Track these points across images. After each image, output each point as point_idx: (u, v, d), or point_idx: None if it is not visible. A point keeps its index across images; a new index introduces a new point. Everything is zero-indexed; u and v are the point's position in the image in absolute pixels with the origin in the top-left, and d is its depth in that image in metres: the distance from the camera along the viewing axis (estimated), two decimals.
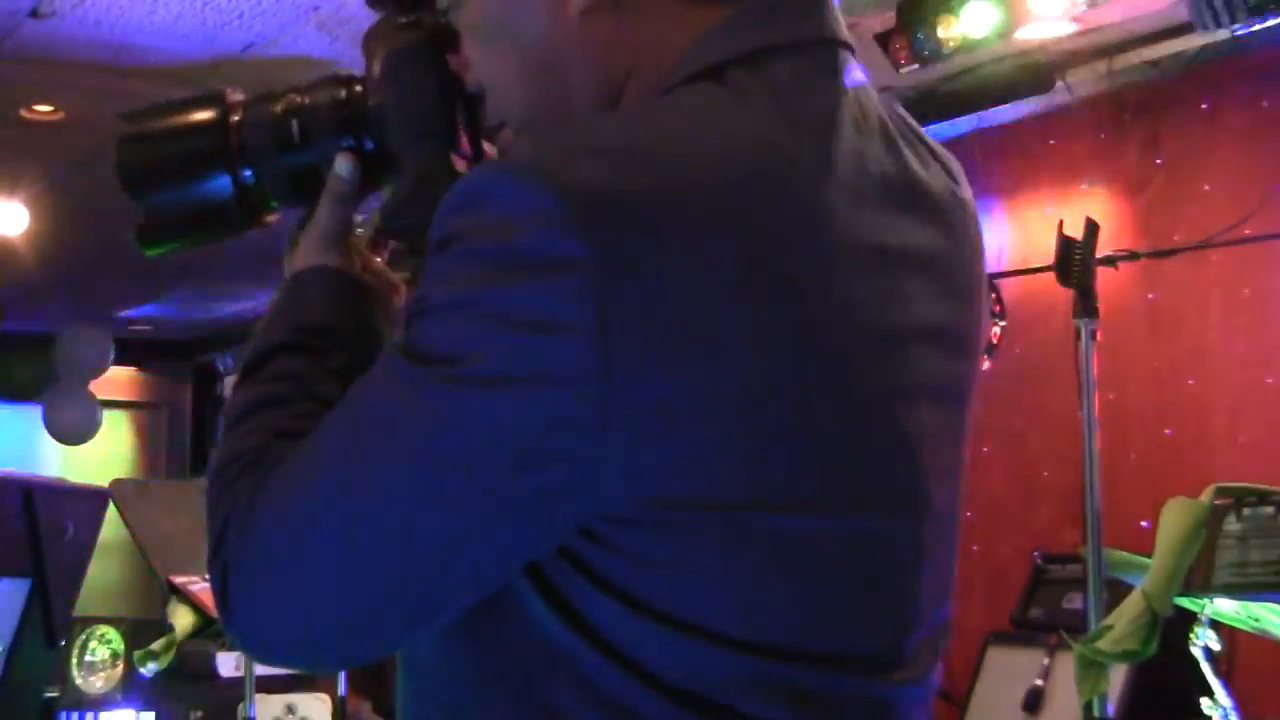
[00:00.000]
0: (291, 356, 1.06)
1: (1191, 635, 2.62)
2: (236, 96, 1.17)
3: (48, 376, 8.94)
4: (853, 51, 1.02)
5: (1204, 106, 4.57)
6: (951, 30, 4.06)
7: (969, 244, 1.06)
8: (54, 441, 9.13)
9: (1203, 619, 2.61)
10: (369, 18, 1.14)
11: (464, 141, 1.10)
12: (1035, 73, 4.65)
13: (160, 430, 10.36)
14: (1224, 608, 2.64)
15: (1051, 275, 2.90)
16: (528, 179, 0.87)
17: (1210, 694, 2.62)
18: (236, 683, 4.18)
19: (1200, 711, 2.64)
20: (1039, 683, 3.96)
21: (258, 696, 3.88)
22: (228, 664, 4.72)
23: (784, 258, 0.89)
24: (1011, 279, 4.40)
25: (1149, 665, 2.75)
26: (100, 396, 9.12)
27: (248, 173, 1.15)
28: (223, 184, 1.15)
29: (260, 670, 3.96)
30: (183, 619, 3.38)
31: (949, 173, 1.06)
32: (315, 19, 4.29)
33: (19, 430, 9.39)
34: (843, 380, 0.91)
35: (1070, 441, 2.93)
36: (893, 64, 4.17)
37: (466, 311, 0.88)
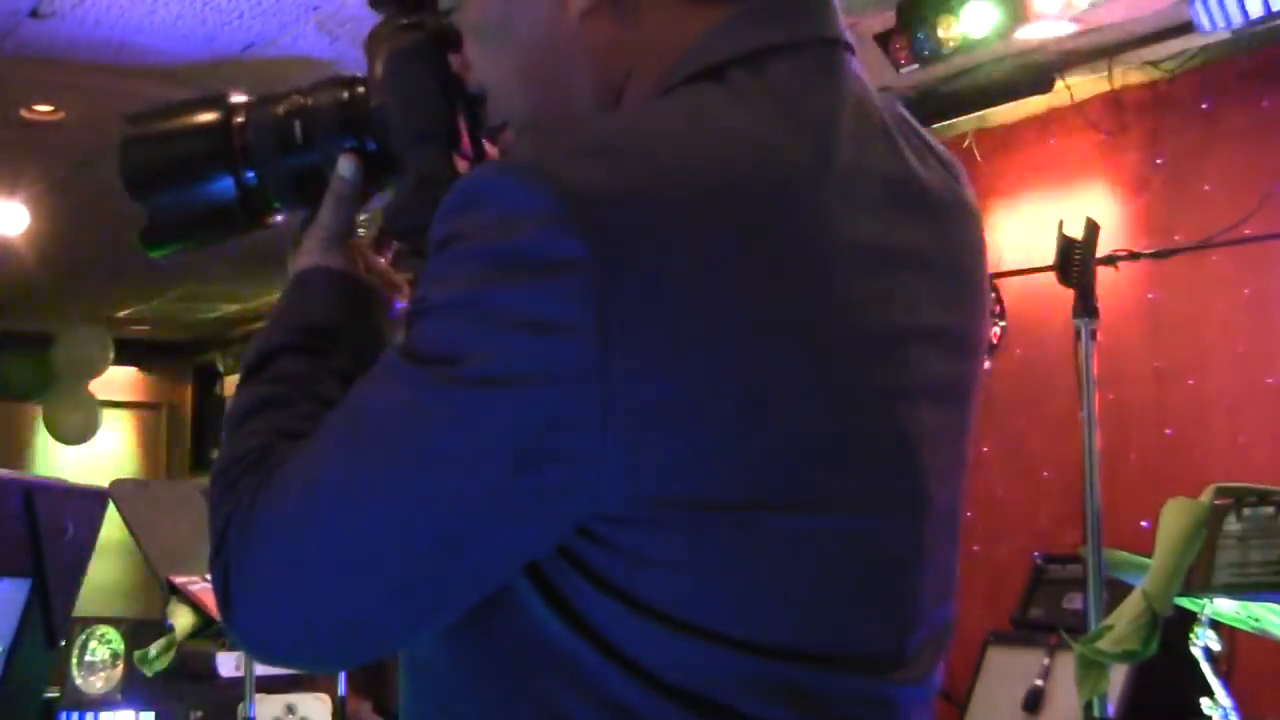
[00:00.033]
0: (294, 357, 1.06)
1: (1191, 635, 2.62)
2: (239, 98, 1.17)
3: (48, 376, 8.94)
4: (853, 51, 1.02)
5: (1204, 106, 4.57)
6: (951, 30, 4.06)
7: (970, 244, 1.06)
8: (54, 441, 9.13)
9: (1203, 619, 2.62)
10: (369, 18, 1.14)
11: (466, 142, 1.10)
12: (1035, 73, 4.66)
13: (160, 430, 10.36)
14: (1224, 608, 2.64)
15: (1051, 275, 2.90)
16: (527, 179, 0.87)
17: (1210, 694, 2.62)
18: (236, 683, 4.18)
19: (1200, 711, 2.64)
20: (1039, 683, 3.96)
21: (258, 696, 3.88)
22: (228, 664, 4.72)
23: (783, 257, 0.89)
24: (1011, 279, 4.40)
25: (1149, 665, 2.75)
26: (100, 396, 9.13)
27: (250, 174, 1.15)
28: (226, 185, 1.15)
29: (260, 670, 3.96)
30: (183, 619, 3.38)
31: (950, 172, 1.06)
32: (315, 19, 4.29)
33: (19, 431, 9.39)
34: (842, 379, 0.91)
35: (1070, 441, 2.93)
36: (893, 64, 4.17)
37: (466, 311, 0.88)
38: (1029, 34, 4.18)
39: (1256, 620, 2.68)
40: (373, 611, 0.91)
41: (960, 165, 1.09)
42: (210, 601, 3.31)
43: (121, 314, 8.86)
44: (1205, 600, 2.58)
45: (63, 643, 4.56)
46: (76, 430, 9.01)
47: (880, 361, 0.94)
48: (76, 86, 4.90)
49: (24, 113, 5.19)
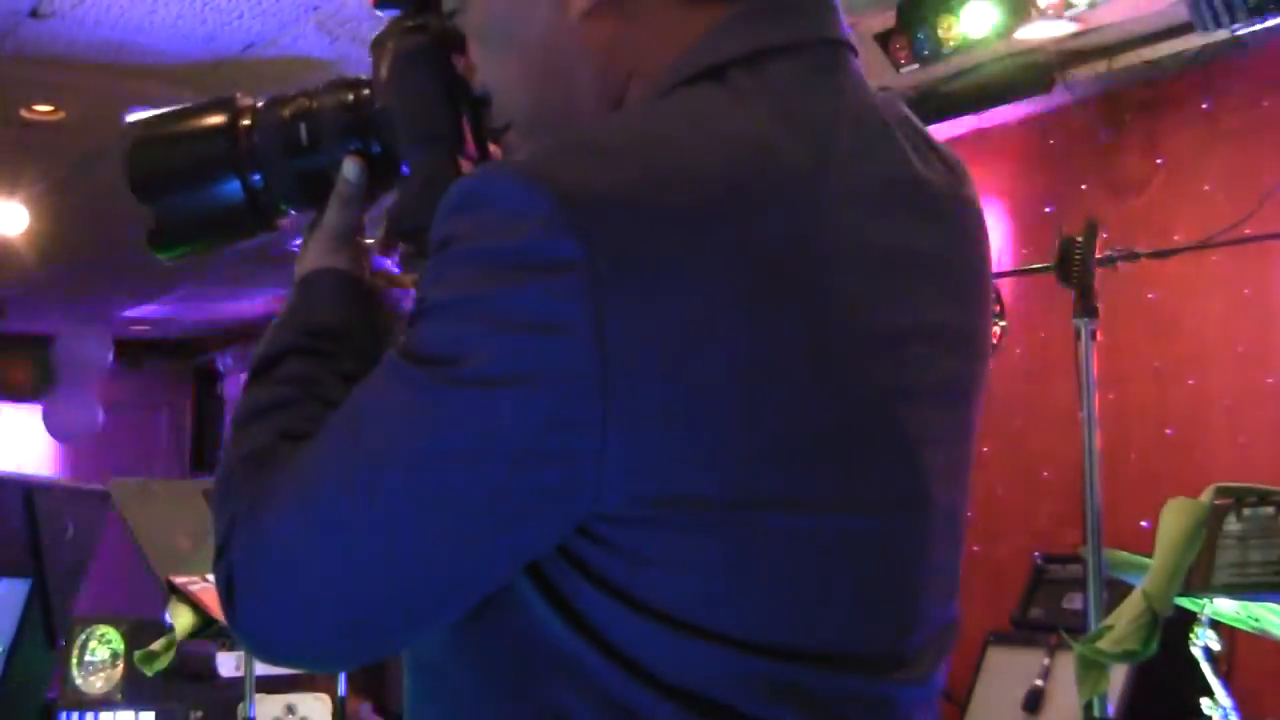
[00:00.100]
0: (299, 359, 1.06)
1: (1191, 635, 2.62)
2: (246, 101, 1.18)
3: (48, 376, 8.95)
4: (854, 52, 1.03)
5: (1204, 106, 4.57)
6: (951, 30, 4.06)
7: (973, 244, 1.06)
8: (54, 441, 9.13)
9: (1203, 619, 2.61)
10: (369, 18, 1.15)
11: (470, 144, 1.11)
12: (1035, 73, 4.66)
13: (160, 430, 10.36)
14: (1224, 608, 2.64)
15: (1051, 275, 2.90)
16: (525, 180, 0.88)
17: (1210, 694, 2.62)
18: (236, 683, 4.18)
19: (1200, 711, 2.64)
20: (1039, 683, 3.96)
21: (258, 696, 3.88)
22: (228, 664, 4.72)
23: (782, 258, 0.89)
24: (1011, 279, 4.40)
25: (1149, 665, 2.75)
26: (100, 397, 9.13)
27: (257, 177, 1.16)
28: (233, 188, 1.16)
29: (260, 670, 3.96)
30: (183, 619, 3.37)
31: (954, 172, 1.06)
32: (315, 19, 4.29)
33: (19, 430, 9.39)
34: (842, 379, 0.92)
35: (1070, 441, 2.93)
36: (893, 64, 4.17)
37: (465, 312, 0.88)
38: (1029, 34, 4.18)
39: (1256, 620, 2.68)
40: (374, 611, 0.91)
41: (964, 165, 1.09)
42: (210, 601, 3.31)
43: (121, 314, 8.86)
44: (1205, 600, 2.58)
45: (63, 642, 4.56)
46: (76, 430, 9.01)
47: (881, 361, 0.94)
48: (76, 86, 4.90)
49: (24, 113, 5.19)
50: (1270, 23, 3.61)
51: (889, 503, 0.95)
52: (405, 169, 1.12)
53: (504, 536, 0.89)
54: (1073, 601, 4.05)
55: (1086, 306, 2.84)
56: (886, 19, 4.18)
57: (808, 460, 0.90)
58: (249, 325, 9.22)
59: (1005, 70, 4.61)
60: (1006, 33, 4.03)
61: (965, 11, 4.02)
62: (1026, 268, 3.24)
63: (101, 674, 4.83)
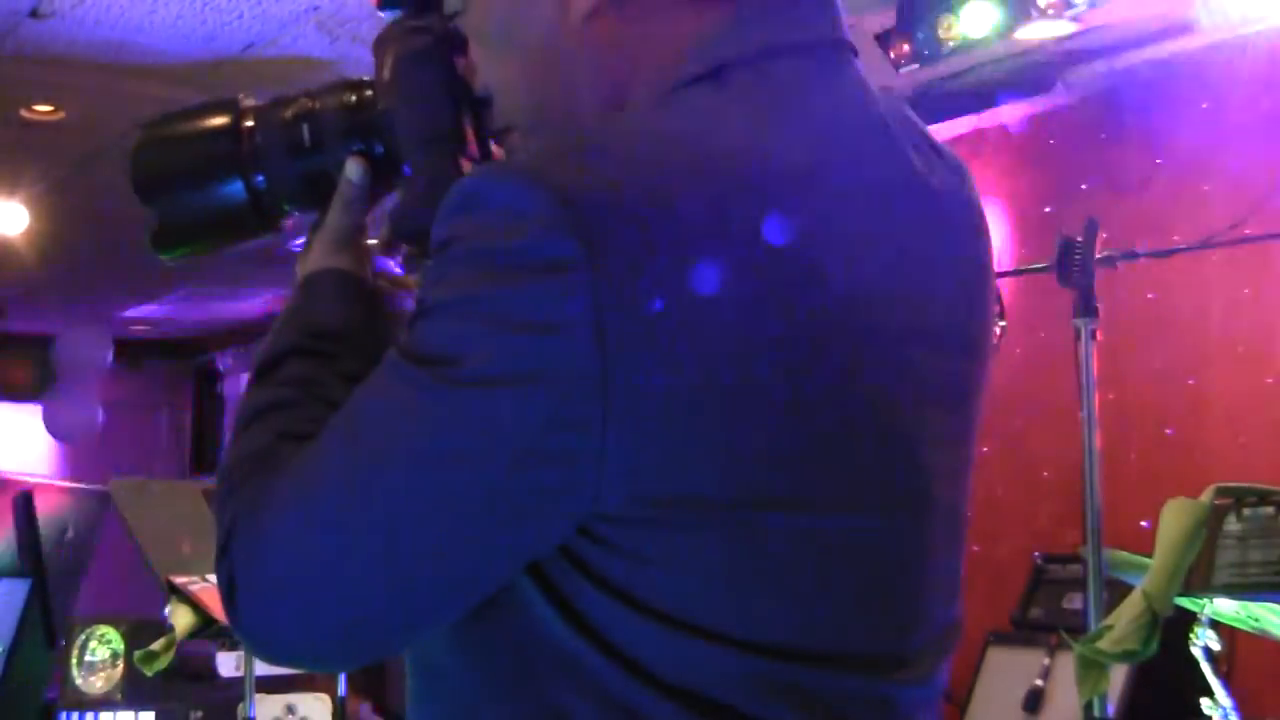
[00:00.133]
0: (301, 359, 1.06)
1: (1191, 635, 2.62)
2: (249, 102, 1.18)
3: (48, 376, 8.95)
4: (855, 52, 1.03)
5: (1204, 106, 4.57)
6: (951, 30, 4.06)
7: (975, 245, 1.06)
8: (54, 441, 9.13)
9: (1203, 619, 2.61)
10: (369, 18, 1.15)
11: (473, 145, 1.11)
12: (1035, 73, 4.66)
13: (160, 430, 10.37)
14: (1224, 608, 2.64)
15: (1051, 275, 2.90)
16: (525, 181, 0.88)
17: (1210, 694, 2.62)
18: (236, 683, 4.18)
19: (1200, 711, 2.64)
20: (1039, 683, 3.96)
21: (258, 696, 3.88)
22: (228, 664, 4.72)
23: (782, 258, 0.89)
24: (1011, 279, 4.40)
25: (1149, 665, 2.75)
26: (100, 397, 9.13)
27: (260, 178, 1.16)
28: (236, 189, 1.16)
29: (260, 670, 3.96)
30: (182, 619, 3.37)
31: (954, 173, 1.06)
32: (315, 19, 4.29)
33: (19, 430, 9.39)
34: (842, 379, 0.92)
35: (1070, 441, 2.93)
36: (893, 64, 4.17)
37: (465, 312, 0.88)
38: (1029, 34, 4.18)
39: (1256, 620, 2.68)
40: (374, 611, 0.91)
41: (965, 165, 1.09)
42: (210, 601, 3.31)
43: (121, 314, 8.86)
44: (1205, 600, 2.58)
45: (63, 642, 4.56)
46: (76, 430, 9.01)
47: (881, 361, 0.94)
48: (76, 86, 4.90)
49: (24, 113, 5.19)
50: (1270, 23, 3.61)
51: (889, 503, 0.95)
52: (408, 170, 1.12)
53: (504, 536, 0.89)
54: (1073, 601, 4.05)
55: (1086, 306, 2.84)
56: (886, 19, 4.18)
57: (808, 460, 0.90)
58: (249, 325, 9.22)
59: (1005, 70, 4.61)
60: (1006, 33, 4.03)
61: (965, 11, 4.01)
62: (1026, 268, 3.23)
63: (101, 674, 4.83)
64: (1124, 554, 2.81)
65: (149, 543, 3.53)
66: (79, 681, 4.82)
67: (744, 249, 0.88)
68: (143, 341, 9.76)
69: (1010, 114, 4.98)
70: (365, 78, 1.16)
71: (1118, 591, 2.70)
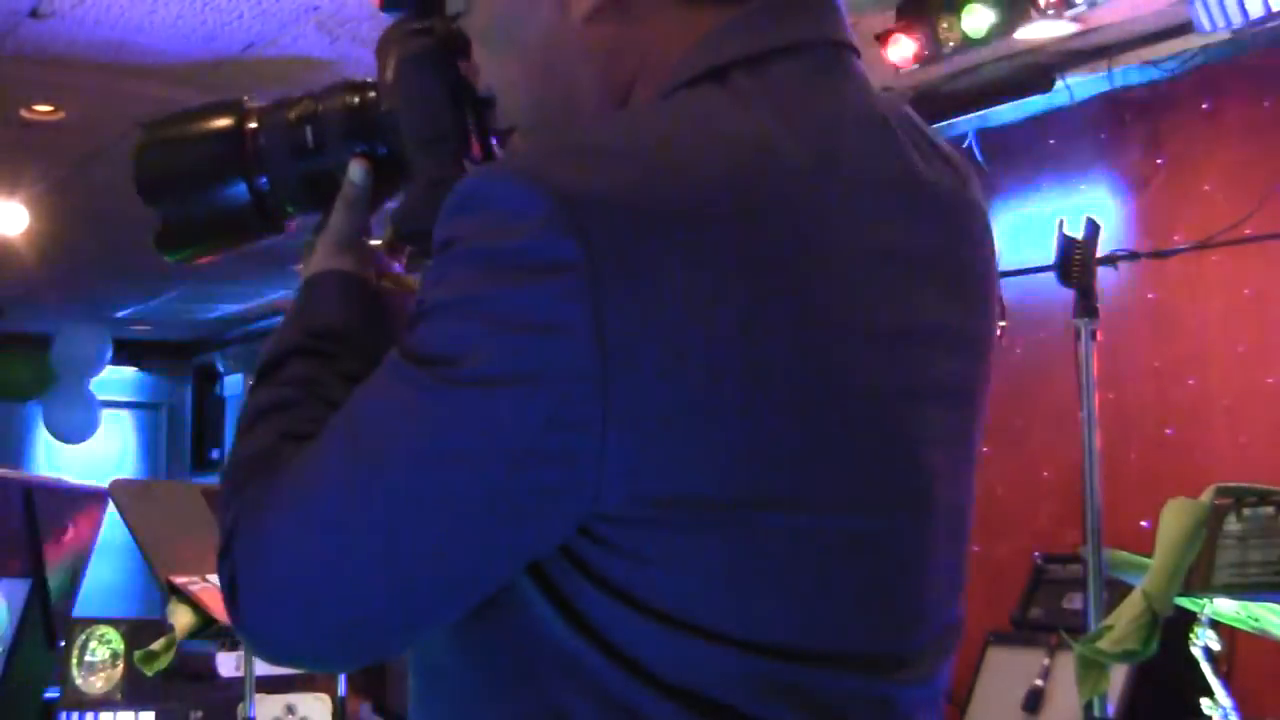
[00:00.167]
0: (303, 360, 1.07)
1: (1191, 635, 2.62)
2: (253, 104, 1.18)
3: (47, 376, 8.95)
4: (856, 53, 1.03)
5: (1204, 106, 4.57)
6: (951, 30, 4.06)
7: (977, 245, 1.06)
8: (54, 441, 9.13)
9: (1203, 619, 2.62)
10: (369, 18, 1.15)
11: (476, 146, 1.11)
12: (1035, 73, 4.66)
13: (160, 430, 10.37)
14: (1224, 608, 2.64)
15: (1051, 275, 2.90)
16: (524, 181, 0.88)
17: (1210, 694, 2.62)
18: (236, 683, 4.18)
19: (1200, 711, 2.64)
20: (1039, 683, 3.96)
21: (258, 696, 3.88)
22: (228, 664, 4.72)
23: (781, 259, 0.89)
24: (1011, 279, 4.39)
25: (1149, 665, 2.75)
26: (100, 396, 9.13)
27: (263, 179, 1.16)
28: (239, 191, 1.16)
29: (260, 670, 3.96)
30: (182, 619, 3.37)
31: (958, 173, 1.06)
32: (315, 19, 4.29)
33: (19, 430, 9.40)
34: (842, 379, 0.92)
35: (1070, 441, 2.93)
36: (893, 64, 4.17)
37: (465, 312, 0.88)
38: (1029, 34, 4.18)
39: (1256, 620, 2.68)
40: (374, 610, 0.91)
41: (968, 166, 1.09)
42: (210, 601, 3.31)
43: (121, 314, 8.86)
44: (1205, 600, 2.58)
45: (63, 642, 4.56)
46: (76, 430, 9.02)
47: (881, 361, 0.94)
48: (76, 86, 4.90)
49: (24, 113, 5.19)
50: (1270, 23, 3.61)
51: (890, 503, 0.95)
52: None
53: (504, 537, 0.89)
54: (1073, 601, 4.05)
55: (1086, 306, 2.84)
56: (886, 19, 4.18)
57: (808, 460, 0.90)
58: (249, 325, 9.22)
59: (1005, 70, 4.61)
60: (1006, 33, 4.03)
61: (965, 11, 4.01)
62: (1026, 268, 3.24)
63: (101, 674, 4.82)
64: (1124, 554, 2.81)
65: (149, 543, 3.53)
66: (79, 681, 4.82)
67: (744, 249, 0.88)
68: (143, 341, 9.76)
69: (1010, 114, 4.98)
70: (368, 79, 1.16)
71: (1118, 591, 2.70)
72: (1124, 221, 4.72)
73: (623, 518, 0.88)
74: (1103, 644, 2.47)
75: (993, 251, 1.09)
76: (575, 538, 0.89)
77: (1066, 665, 3.05)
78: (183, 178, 1.18)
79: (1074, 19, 4.06)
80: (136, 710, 4.75)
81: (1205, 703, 2.62)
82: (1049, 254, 2.89)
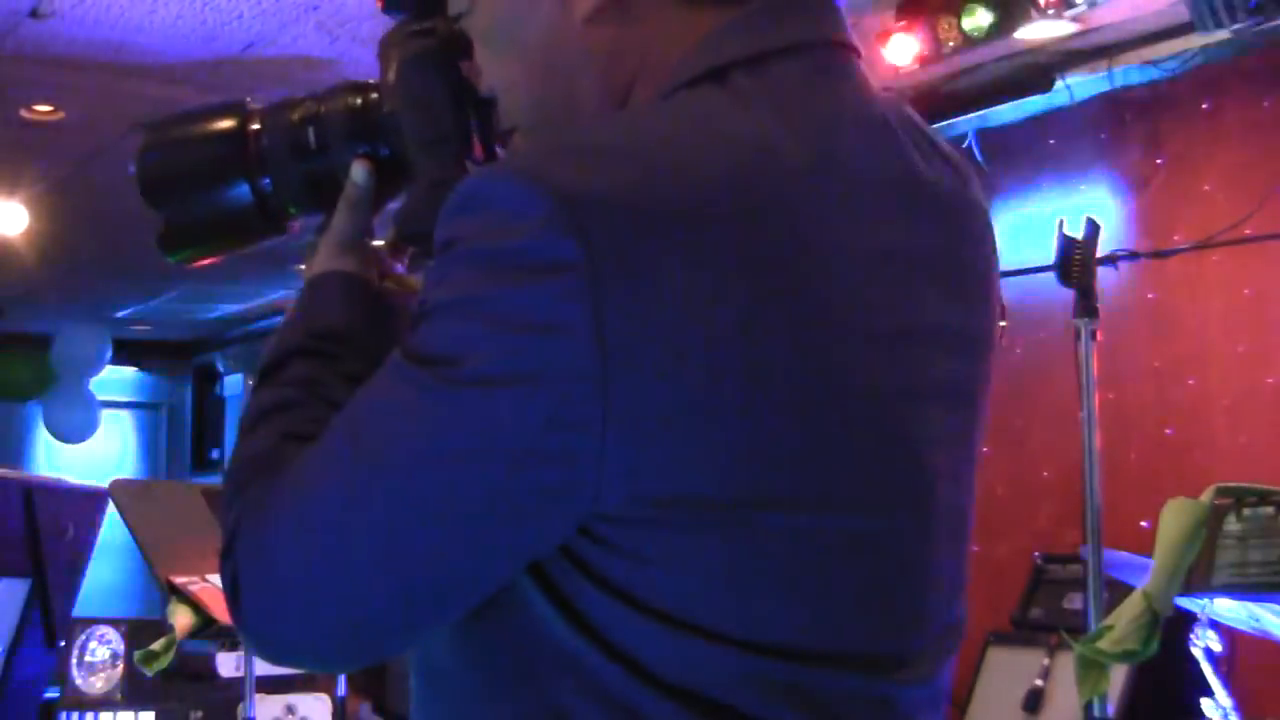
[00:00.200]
0: (305, 361, 1.07)
1: (1191, 635, 2.62)
2: (255, 105, 1.18)
3: (47, 376, 8.95)
4: (857, 53, 1.02)
5: (1204, 106, 4.57)
6: (951, 30, 4.06)
7: (979, 245, 1.06)
8: (54, 441, 9.13)
9: (1203, 619, 2.62)
10: (369, 17, 1.15)
11: (478, 147, 1.11)
12: (1035, 73, 4.66)
13: (160, 430, 10.37)
14: (1224, 608, 2.64)
15: (1051, 275, 2.90)
16: (524, 181, 0.88)
17: (1210, 694, 2.62)
18: (236, 683, 4.18)
19: (1200, 711, 2.64)
20: (1039, 683, 3.96)
21: (257, 696, 3.88)
22: (228, 664, 4.72)
23: (782, 259, 0.90)
24: (1011, 279, 4.39)
25: (1149, 665, 2.75)
26: (100, 396, 9.14)
27: (266, 181, 1.17)
28: (242, 192, 1.17)
29: (260, 670, 3.96)
30: (182, 619, 3.37)
31: (959, 173, 1.06)
32: (315, 19, 4.29)
33: (19, 430, 9.40)
34: (841, 379, 0.92)
35: (1070, 441, 2.93)
36: (893, 64, 4.17)
37: (466, 313, 0.89)
38: (1029, 34, 4.18)
39: (1256, 620, 2.68)
40: (375, 611, 0.92)
41: (969, 166, 1.09)
42: (210, 601, 3.31)
43: (121, 314, 8.86)
44: (1205, 600, 2.58)
45: (62, 642, 4.56)
46: (76, 430, 9.02)
47: (883, 361, 0.94)
48: (76, 86, 4.90)
49: (24, 113, 5.19)
50: (1270, 23, 3.61)
51: (890, 503, 0.95)
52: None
53: (504, 537, 0.89)
54: (1073, 601, 4.05)
55: (1086, 306, 2.84)
56: (886, 19, 4.18)
57: (808, 460, 0.90)
58: (249, 325, 9.22)
59: (1005, 70, 4.61)
60: (1006, 32, 4.04)
61: (965, 11, 4.02)
62: (1026, 268, 3.24)
63: (101, 674, 4.83)
64: (1125, 554, 2.80)
65: (149, 543, 3.53)
66: (79, 681, 4.82)
67: (744, 249, 0.88)
68: (143, 341, 9.76)
69: (1010, 114, 4.98)
70: (370, 80, 1.16)
71: (1118, 591, 2.70)
72: (1124, 221, 4.72)
73: (623, 518, 0.88)
74: (1103, 644, 2.47)
75: (993, 251, 1.09)
76: (575, 538, 0.89)
77: (1066, 665, 3.05)
78: (186, 179, 1.18)
79: (1074, 19, 4.07)
80: (136, 710, 4.75)
81: (1205, 703, 2.63)
82: (1049, 254, 2.89)
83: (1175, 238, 4.44)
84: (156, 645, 3.48)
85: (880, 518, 0.95)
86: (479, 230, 0.89)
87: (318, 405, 1.02)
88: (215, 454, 9.91)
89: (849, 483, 0.93)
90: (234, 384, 9.69)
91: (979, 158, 5.04)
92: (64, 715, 4.77)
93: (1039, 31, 4.19)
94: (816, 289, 0.91)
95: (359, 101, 1.15)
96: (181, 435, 10.32)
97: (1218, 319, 4.48)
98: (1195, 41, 4.30)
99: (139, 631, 4.71)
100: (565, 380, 0.86)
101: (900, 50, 4.16)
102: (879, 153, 0.98)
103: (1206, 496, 2.56)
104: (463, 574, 0.90)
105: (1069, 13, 3.92)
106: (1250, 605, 2.63)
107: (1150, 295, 4.59)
